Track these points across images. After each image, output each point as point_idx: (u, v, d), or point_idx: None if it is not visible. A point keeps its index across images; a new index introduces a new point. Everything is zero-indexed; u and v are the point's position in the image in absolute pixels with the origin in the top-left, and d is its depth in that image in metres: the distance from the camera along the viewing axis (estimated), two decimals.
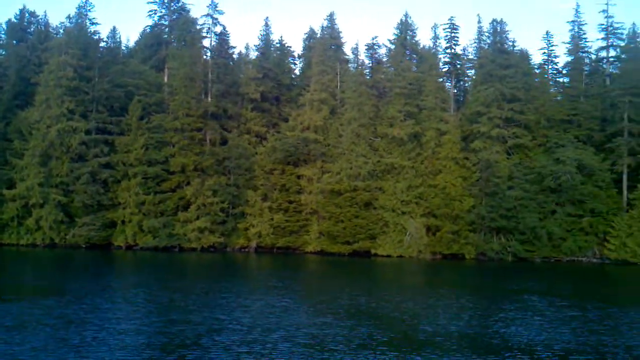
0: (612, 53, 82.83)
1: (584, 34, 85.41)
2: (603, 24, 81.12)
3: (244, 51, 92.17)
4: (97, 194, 71.69)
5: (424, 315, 32.08)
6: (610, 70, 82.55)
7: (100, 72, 75.72)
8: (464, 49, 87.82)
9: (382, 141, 74.73)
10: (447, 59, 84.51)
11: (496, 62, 75.43)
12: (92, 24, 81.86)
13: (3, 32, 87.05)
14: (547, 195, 71.03)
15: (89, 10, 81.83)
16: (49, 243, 71.67)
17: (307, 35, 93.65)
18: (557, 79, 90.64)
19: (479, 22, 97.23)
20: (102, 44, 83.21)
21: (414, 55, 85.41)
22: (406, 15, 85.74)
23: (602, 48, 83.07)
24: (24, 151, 72.81)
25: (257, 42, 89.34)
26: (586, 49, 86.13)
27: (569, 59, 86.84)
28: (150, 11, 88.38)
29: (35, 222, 70.97)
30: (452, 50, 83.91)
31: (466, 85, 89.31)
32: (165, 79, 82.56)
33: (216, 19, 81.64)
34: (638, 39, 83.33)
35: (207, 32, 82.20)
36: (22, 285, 41.21)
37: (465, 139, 74.14)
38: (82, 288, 38.63)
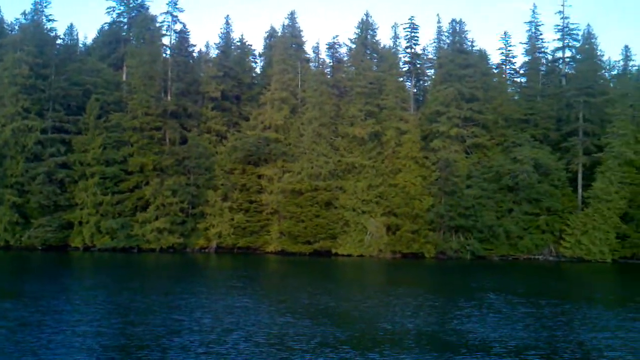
0: (568, 54, 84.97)
1: (541, 34, 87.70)
2: (559, 25, 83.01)
3: (204, 49, 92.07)
4: (53, 194, 70.40)
5: (382, 314, 32.34)
6: (566, 70, 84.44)
7: (56, 69, 74.37)
8: (423, 49, 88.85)
9: (343, 140, 75.08)
10: (407, 59, 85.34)
11: (455, 62, 76.41)
12: (49, 20, 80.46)
13: None
14: (504, 194, 72.28)
15: (45, 6, 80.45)
16: (4, 245, 70.12)
17: (268, 33, 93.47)
18: (515, 79, 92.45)
19: (439, 22, 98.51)
20: (58, 41, 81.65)
21: (375, 55, 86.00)
22: (367, 15, 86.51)
23: (558, 49, 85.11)
24: None
25: (218, 40, 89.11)
26: (543, 50, 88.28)
27: (526, 59, 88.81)
28: (108, 8, 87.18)
29: None
30: (412, 50, 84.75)
31: (426, 84, 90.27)
32: (124, 77, 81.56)
33: (176, 16, 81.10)
34: (592, 40, 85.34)
35: (166, 30, 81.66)
36: None
37: (425, 138, 74.97)
38: (38, 290, 37.89)
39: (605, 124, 73.69)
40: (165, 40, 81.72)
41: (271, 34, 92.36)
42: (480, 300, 37.57)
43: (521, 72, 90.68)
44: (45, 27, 79.39)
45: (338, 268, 63.11)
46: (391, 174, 73.01)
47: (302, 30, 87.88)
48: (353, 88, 76.91)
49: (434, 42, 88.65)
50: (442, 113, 73.66)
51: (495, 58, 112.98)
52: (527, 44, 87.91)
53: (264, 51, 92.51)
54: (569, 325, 29.70)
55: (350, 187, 72.69)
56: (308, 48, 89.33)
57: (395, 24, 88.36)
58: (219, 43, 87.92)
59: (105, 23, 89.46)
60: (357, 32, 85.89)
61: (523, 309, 34.39)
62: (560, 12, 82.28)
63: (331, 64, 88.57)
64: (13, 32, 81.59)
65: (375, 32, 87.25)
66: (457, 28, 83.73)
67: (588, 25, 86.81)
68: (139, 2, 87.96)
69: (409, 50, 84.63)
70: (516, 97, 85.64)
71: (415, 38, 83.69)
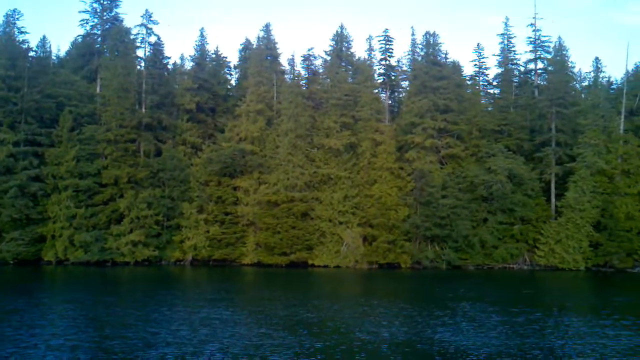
0: (540, 65, 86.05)
1: (513, 46, 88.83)
2: (531, 37, 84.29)
3: (179, 62, 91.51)
4: (25, 207, 69.36)
5: (358, 324, 32.49)
6: (538, 81, 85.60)
7: (29, 82, 73.52)
8: (398, 61, 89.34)
9: (319, 152, 75.33)
10: (382, 71, 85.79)
11: (429, 74, 77.08)
12: (21, 32, 79.26)
13: None
14: (479, 204, 72.95)
15: (17, 18, 79.22)
16: None
17: (243, 45, 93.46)
18: (488, 90, 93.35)
19: (413, 34, 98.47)
20: (31, 54, 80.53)
21: (350, 67, 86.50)
22: (342, 27, 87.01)
23: (530, 60, 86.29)
24: None
25: (193, 52, 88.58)
26: (515, 61, 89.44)
27: (499, 70, 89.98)
28: (82, 20, 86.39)
29: None
30: (387, 62, 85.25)
31: (401, 96, 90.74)
32: (98, 90, 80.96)
33: (150, 29, 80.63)
34: (564, 52, 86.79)
35: (141, 42, 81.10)
36: None
37: (400, 149, 75.43)
38: (11, 304, 37.44)
39: (577, 134, 74.74)
40: (140, 53, 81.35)
41: (246, 46, 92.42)
42: (455, 309, 37.92)
43: (494, 83, 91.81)
44: (17, 39, 78.38)
45: (314, 279, 63.15)
46: (367, 185, 73.36)
47: (277, 43, 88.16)
48: (328, 100, 77.26)
49: (409, 54, 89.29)
50: (417, 124, 74.23)
51: (468, 70, 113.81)
52: (500, 55, 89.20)
53: (239, 63, 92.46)
54: (541, 333, 30.14)
55: (326, 198, 72.89)
56: (283, 60, 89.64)
57: (369, 36, 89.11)
58: (193, 55, 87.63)
59: (79, 35, 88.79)
60: (332, 44, 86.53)
61: (497, 317, 34.80)
62: (532, 24, 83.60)
63: (306, 76, 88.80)
64: None
65: (350, 44, 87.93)
66: (431, 40, 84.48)
67: (559, 37, 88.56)
68: (113, 14, 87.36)
69: (383, 62, 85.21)
70: (490, 108, 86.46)
71: (390, 50, 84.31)
